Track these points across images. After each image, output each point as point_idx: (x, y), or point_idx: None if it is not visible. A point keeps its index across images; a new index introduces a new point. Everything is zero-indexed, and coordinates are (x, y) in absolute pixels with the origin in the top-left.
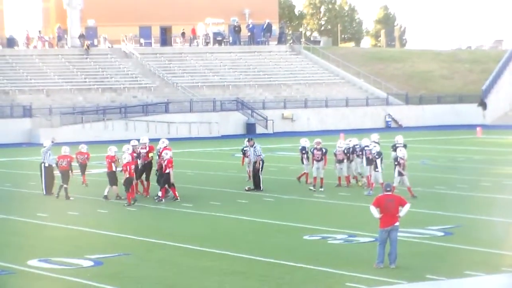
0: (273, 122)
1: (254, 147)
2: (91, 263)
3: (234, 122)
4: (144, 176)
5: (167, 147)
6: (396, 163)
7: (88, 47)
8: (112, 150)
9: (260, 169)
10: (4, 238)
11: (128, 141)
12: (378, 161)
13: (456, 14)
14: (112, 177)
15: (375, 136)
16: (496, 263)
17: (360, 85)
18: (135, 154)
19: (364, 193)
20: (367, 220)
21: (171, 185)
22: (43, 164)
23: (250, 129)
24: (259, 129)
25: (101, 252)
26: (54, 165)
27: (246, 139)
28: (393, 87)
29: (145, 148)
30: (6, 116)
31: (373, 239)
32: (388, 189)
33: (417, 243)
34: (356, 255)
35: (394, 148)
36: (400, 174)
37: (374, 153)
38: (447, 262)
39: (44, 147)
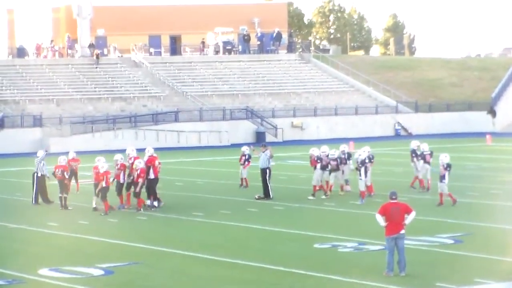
0: (282, 131)
1: (266, 154)
2: (102, 272)
3: (243, 130)
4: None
5: (153, 155)
6: (448, 169)
7: (97, 56)
8: (101, 161)
9: (268, 178)
10: (14, 247)
11: (137, 150)
12: (362, 169)
13: (465, 22)
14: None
15: (415, 143)
16: (506, 271)
17: (370, 93)
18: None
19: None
20: (377, 228)
21: (138, 195)
22: (35, 174)
23: (259, 137)
24: (269, 138)
25: (111, 261)
26: (47, 175)
27: (261, 145)
28: (402, 95)
29: (132, 159)
30: (17, 126)
31: (383, 247)
32: (394, 197)
33: (427, 251)
34: (366, 263)
35: (422, 156)
36: (441, 179)
37: (358, 162)
38: (457, 270)
39: (37, 157)
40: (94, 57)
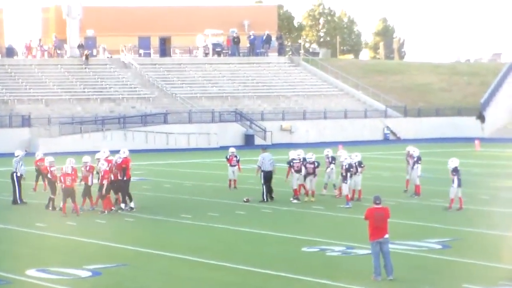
0: (271, 134)
1: (269, 157)
2: (89, 274)
3: (232, 133)
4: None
5: (127, 157)
6: (454, 173)
7: (87, 56)
8: (70, 162)
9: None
10: (2, 248)
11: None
12: (348, 174)
13: (455, 27)
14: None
15: (411, 148)
16: (494, 276)
17: (359, 97)
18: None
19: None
20: (365, 232)
21: (103, 197)
22: (15, 174)
23: (248, 140)
24: (258, 141)
25: (99, 262)
26: (24, 175)
27: (262, 147)
28: (391, 99)
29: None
30: (5, 126)
31: (371, 252)
32: (378, 201)
33: (415, 256)
34: (354, 267)
35: (418, 160)
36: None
37: (345, 165)
38: (445, 275)
39: (16, 156)
40: (84, 57)
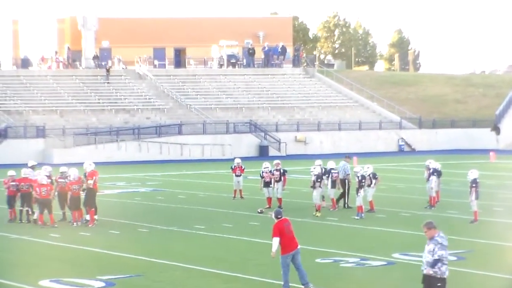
0: (286, 145)
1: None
2: (103, 284)
3: (247, 144)
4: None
5: (94, 170)
6: (474, 185)
7: (108, 70)
8: (46, 171)
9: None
10: (16, 258)
11: (140, 162)
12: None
13: (471, 39)
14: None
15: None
16: None
17: (374, 109)
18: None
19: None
20: (379, 243)
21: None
22: None
23: (263, 151)
24: (272, 152)
25: (112, 273)
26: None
27: (346, 156)
28: (406, 111)
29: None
30: (20, 136)
31: (386, 263)
32: (280, 216)
33: None
34: (368, 279)
35: (437, 172)
36: (477, 197)
37: (359, 177)
38: (459, 287)
39: (29, 168)
40: (106, 71)
